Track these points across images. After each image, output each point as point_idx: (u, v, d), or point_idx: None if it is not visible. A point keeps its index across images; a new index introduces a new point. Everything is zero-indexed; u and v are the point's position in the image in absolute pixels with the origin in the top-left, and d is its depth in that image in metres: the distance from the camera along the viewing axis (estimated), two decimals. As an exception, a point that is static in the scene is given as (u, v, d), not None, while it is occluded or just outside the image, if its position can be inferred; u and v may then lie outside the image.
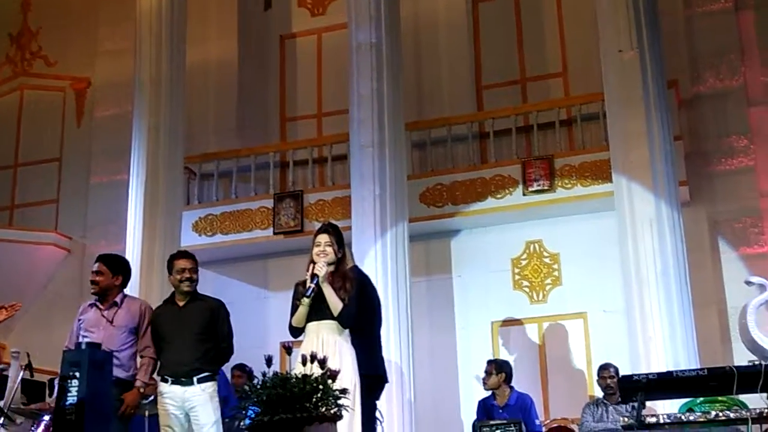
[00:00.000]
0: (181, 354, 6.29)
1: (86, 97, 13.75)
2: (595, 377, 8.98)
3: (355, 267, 6.41)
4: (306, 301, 5.79)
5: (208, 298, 6.58)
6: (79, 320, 6.45)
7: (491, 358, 9.90)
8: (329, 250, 5.92)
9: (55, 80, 14.07)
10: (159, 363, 6.39)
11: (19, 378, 7.70)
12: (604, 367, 8.77)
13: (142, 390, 6.32)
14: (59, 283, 12.77)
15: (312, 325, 5.80)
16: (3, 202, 13.80)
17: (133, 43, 11.69)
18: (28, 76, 14.32)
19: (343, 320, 5.86)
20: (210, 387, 6.26)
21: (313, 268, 5.81)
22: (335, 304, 5.82)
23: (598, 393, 9.24)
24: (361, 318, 5.97)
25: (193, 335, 6.30)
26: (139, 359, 6.38)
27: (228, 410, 6.69)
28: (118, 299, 6.42)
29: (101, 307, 6.40)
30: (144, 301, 6.81)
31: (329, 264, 5.92)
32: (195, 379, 6.22)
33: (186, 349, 6.28)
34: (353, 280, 5.99)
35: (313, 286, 5.75)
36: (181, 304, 6.45)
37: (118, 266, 6.53)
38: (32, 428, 6.38)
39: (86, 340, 6.18)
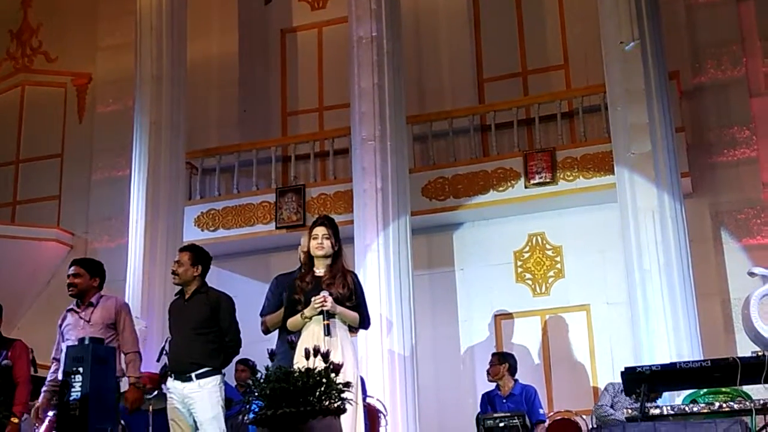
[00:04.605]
0: (180, 349, 6.30)
1: (87, 93, 13.73)
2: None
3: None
4: (307, 314, 5.74)
5: (212, 291, 6.49)
6: (60, 327, 6.49)
7: (495, 351, 9.90)
8: (327, 243, 5.90)
9: (56, 76, 14.04)
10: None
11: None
12: None
13: (138, 385, 6.32)
14: (62, 279, 12.64)
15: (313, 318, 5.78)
16: (5, 199, 13.78)
17: (134, 38, 11.68)
18: (29, 72, 14.29)
19: (366, 325, 5.96)
20: (210, 383, 6.19)
21: (323, 303, 5.67)
22: (353, 318, 5.84)
23: (602, 385, 9.21)
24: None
25: (190, 329, 6.28)
26: (123, 356, 6.36)
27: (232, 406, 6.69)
28: (94, 299, 6.45)
29: (78, 310, 6.44)
30: (120, 298, 6.83)
31: (326, 256, 5.91)
32: (193, 375, 6.19)
33: (184, 343, 6.29)
34: (352, 273, 5.99)
35: (327, 322, 5.65)
36: (186, 297, 6.46)
37: (94, 268, 6.57)
38: (35, 424, 6.40)
39: (67, 343, 6.23)
